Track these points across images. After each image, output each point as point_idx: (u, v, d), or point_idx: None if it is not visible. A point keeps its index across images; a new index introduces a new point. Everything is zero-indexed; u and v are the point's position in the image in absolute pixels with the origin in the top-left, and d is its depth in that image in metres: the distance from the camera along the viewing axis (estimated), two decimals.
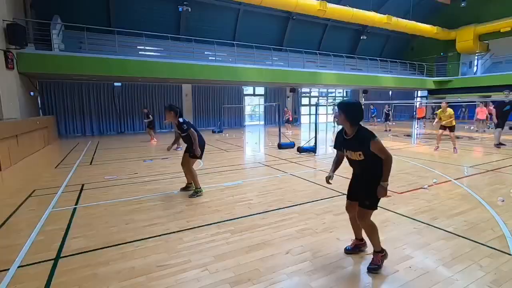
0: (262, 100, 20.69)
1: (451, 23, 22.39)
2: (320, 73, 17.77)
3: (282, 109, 15.88)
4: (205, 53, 16.39)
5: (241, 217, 3.58)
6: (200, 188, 4.53)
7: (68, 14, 13.66)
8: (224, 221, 3.46)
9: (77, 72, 11.68)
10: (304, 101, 22.72)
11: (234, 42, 16.49)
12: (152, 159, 7.73)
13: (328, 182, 2.59)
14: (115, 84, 15.41)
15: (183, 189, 4.74)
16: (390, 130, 15.41)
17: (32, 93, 12.27)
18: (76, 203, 4.20)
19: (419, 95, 27.40)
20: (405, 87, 22.73)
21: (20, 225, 3.44)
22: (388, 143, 10.49)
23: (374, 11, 18.73)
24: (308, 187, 4.82)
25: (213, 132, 15.26)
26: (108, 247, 2.86)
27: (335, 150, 2.59)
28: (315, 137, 7.93)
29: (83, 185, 5.14)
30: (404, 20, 19.83)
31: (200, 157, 4.57)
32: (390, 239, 2.92)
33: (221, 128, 16.43)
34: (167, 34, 15.00)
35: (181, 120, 4.41)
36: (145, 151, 9.18)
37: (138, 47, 14.91)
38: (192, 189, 4.60)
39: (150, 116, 11.23)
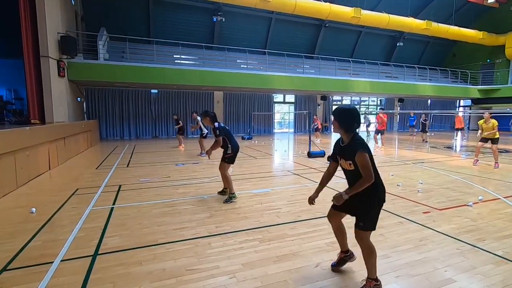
0: (292, 107, 20.60)
1: (500, 28, 20.77)
2: (353, 81, 17.34)
3: (312, 117, 15.73)
4: (237, 61, 16.76)
5: (270, 225, 3.55)
6: (234, 193, 4.58)
7: (113, 26, 14.75)
8: (253, 228, 3.45)
9: (119, 80, 12.52)
10: None
11: (266, 50, 16.66)
12: (183, 163, 7.97)
13: (311, 203, 2.46)
14: (152, 91, 16.26)
15: (220, 193, 4.86)
16: (427, 141, 14.53)
17: (79, 99, 13.33)
18: (114, 203, 4.43)
19: (461, 104, 25.61)
20: (446, 96, 21.38)
21: (64, 221, 3.70)
22: (425, 155, 9.87)
23: (412, 17, 18.00)
24: None
25: (243, 138, 15.43)
26: (141, 247, 2.96)
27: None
28: None
29: (120, 186, 5.43)
30: (445, 25, 18.78)
31: (232, 162, 4.66)
32: (430, 259, 2.71)
33: (250, 134, 16.58)
34: (202, 43, 15.56)
35: (216, 125, 4.59)
36: (177, 156, 9.50)
37: (174, 56, 15.66)
38: (227, 194, 4.68)
39: (180, 122, 11.50)
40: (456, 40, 21.67)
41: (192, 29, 17.08)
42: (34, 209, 4.03)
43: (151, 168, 7.36)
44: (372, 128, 17.70)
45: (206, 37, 17.44)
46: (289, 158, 9.14)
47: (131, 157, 9.20)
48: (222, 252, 2.85)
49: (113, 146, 12.23)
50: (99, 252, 2.85)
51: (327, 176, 2.47)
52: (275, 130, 20.08)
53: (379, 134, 11.46)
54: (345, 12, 16.12)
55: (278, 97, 20.02)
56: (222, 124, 4.72)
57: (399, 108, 23.01)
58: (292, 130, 20.82)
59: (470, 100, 23.77)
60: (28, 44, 9.20)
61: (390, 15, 17.07)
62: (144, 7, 15.73)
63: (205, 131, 9.36)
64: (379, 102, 23.73)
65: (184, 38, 15.91)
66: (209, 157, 4.86)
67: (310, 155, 8.91)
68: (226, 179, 4.61)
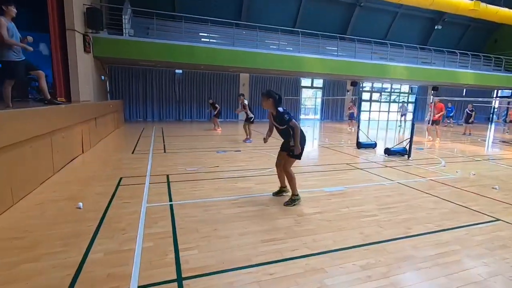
0: (319, 93, 19.50)
1: None
2: (389, 66, 16.06)
3: (350, 103, 14.76)
4: (266, 41, 15.63)
5: (381, 241, 2.78)
6: (297, 195, 3.72)
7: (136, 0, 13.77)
8: (363, 245, 2.68)
9: (146, 57, 11.73)
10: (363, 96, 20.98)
11: (299, 30, 15.40)
12: (225, 150, 7.25)
13: None
14: (177, 71, 15.43)
15: (276, 194, 3.97)
16: (470, 133, 13.37)
17: (102, 77, 12.65)
18: (170, 199, 3.75)
19: (499, 94, 23.87)
20: (486, 85, 19.78)
21: (120, 223, 3.02)
22: (482, 149, 8.86)
23: None
24: (438, 204, 3.85)
25: None
26: (234, 269, 2.25)
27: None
28: (411, 138, 6.78)
29: (168, 177, 4.75)
30: (495, 6, 17.00)
31: (299, 157, 3.72)
32: None
33: None
34: (228, 20, 14.44)
35: (280, 109, 3.59)
36: (214, 141, 8.80)
37: (200, 33, 14.66)
38: (287, 194, 3.89)
39: (217, 105, 10.93)
40: (500, 24, 19.79)
41: (218, 4, 15.91)
42: (81, 204, 3.38)
43: (191, 154, 6.67)
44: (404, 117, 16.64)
45: (232, 14, 16.26)
46: (337, 149, 8.27)
47: (163, 141, 8.54)
48: (349, 283, 2.12)
49: (139, 128, 11.62)
50: (183, 276, 2.16)
51: None
52: (301, 116, 19.11)
53: (434, 124, 10.40)
54: None
55: (306, 82, 18.92)
56: (286, 109, 3.72)
57: (432, 97, 21.54)
58: (318, 116, 19.81)
59: (511, 91, 22.06)
60: (54, 16, 8.45)
61: None
62: None
63: (251, 115, 8.55)
64: (410, 90, 22.31)
65: (208, 13, 14.76)
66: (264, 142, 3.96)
67: (360, 145, 8.04)
68: (289, 176, 3.71)
